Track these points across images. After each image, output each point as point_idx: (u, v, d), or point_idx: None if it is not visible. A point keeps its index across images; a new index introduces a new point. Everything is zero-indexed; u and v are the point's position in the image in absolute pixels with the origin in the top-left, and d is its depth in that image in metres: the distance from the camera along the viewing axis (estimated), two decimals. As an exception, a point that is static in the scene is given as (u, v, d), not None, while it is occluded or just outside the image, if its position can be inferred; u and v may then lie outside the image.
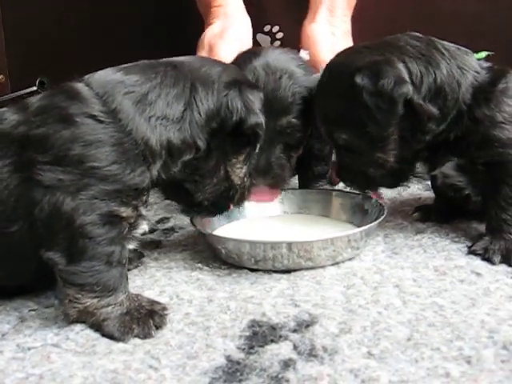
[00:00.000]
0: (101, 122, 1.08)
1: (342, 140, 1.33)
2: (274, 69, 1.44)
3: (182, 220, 1.61)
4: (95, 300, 1.06)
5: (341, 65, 1.33)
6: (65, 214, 1.03)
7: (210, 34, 1.76)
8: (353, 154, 1.34)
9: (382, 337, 1.00)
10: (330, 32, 1.78)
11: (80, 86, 1.13)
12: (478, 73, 1.31)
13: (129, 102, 1.11)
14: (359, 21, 1.96)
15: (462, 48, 1.35)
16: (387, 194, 1.71)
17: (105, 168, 1.05)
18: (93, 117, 1.08)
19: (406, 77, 1.24)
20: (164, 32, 2.36)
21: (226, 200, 1.28)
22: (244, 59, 1.48)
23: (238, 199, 1.30)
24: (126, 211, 1.09)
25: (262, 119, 1.22)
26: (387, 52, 1.28)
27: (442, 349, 0.96)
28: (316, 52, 1.68)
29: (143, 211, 1.15)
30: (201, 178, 1.22)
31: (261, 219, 1.51)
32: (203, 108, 1.17)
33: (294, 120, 1.44)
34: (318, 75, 1.44)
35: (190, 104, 1.16)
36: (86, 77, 1.16)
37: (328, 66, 1.37)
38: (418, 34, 1.34)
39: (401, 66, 1.25)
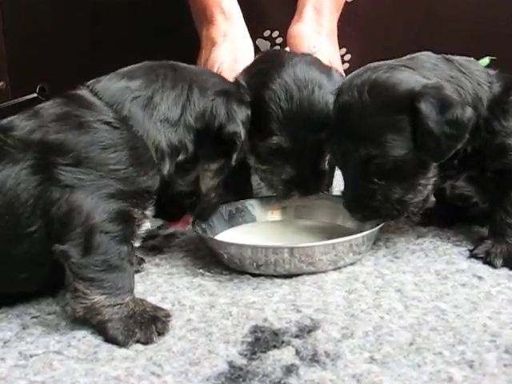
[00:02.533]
0: (116, 128, 1.14)
1: (378, 165, 1.23)
2: (304, 82, 1.39)
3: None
4: (103, 297, 1.07)
5: (387, 83, 1.23)
6: (84, 211, 1.07)
7: (221, 58, 1.67)
8: (386, 181, 1.25)
9: (384, 341, 1.00)
10: (315, 31, 1.77)
11: (87, 94, 1.18)
12: (491, 83, 1.31)
13: (137, 107, 1.17)
14: (356, 25, 1.96)
15: (470, 59, 1.35)
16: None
17: (123, 170, 1.12)
18: (108, 123, 1.14)
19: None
20: (164, 35, 2.36)
21: (187, 206, 1.33)
22: (267, 72, 1.42)
23: (199, 212, 1.35)
24: (137, 213, 1.14)
25: (241, 130, 1.25)
26: (425, 74, 1.25)
27: (444, 353, 0.96)
28: (301, 52, 1.66)
29: (148, 212, 1.20)
30: (182, 181, 1.27)
31: (263, 224, 1.51)
32: (194, 110, 1.23)
33: None
34: (338, 76, 1.44)
35: (186, 107, 1.22)
36: (90, 84, 1.20)
37: (364, 82, 1.25)
38: (431, 52, 1.33)
39: (449, 90, 1.24)
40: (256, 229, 1.49)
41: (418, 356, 0.96)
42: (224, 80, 1.36)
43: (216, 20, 1.77)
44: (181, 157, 1.22)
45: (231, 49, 1.70)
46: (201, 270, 1.33)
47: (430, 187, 1.30)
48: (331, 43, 1.80)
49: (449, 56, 1.33)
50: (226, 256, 1.30)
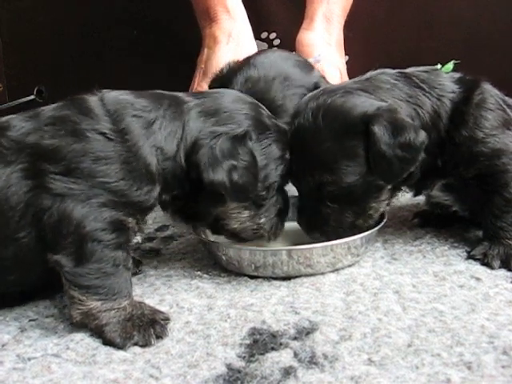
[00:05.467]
0: (110, 139, 1.12)
1: (331, 190, 1.25)
2: (269, 74, 1.43)
3: (181, 228, 1.61)
4: (99, 303, 1.07)
5: (341, 108, 1.23)
6: (74, 220, 1.07)
7: (224, 59, 1.64)
8: (339, 205, 1.27)
9: (382, 343, 1.00)
10: (326, 42, 1.78)
11: (94, 100, 1.16)
12: (453, 92, 1.31)
13: (137, 125, 1.15)
14: (354, 27, 1.96)
15: (433, 68, 1.35)
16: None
17: (113, 183, 1.10)
18: (103, 134, 1.12)
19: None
20: (164, 39, 2.36)
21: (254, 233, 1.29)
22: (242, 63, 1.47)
23: (271, 231, 1.30)
24: (131, 222, 1.13)
25: (222, 178, 1.14)
26: (381, 96, 1.26)
27: (442, 355, 0.96)
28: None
29: (142, 225, 1.19)
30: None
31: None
32: (184, 152, 1.18)
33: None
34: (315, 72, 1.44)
35: (180, 147, 1.17)
36: (102, 91, 1.19)
37: (319, 106, 1.25)
38: (391, 70, 1.33)
39: (403, 112, 1.24)
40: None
41: (416, 358, 0.96)
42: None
43: (220, 19, 1.76)
44: (176, 192, 1.20)
45: (235, 49, 1.70)
46: (199, 272, 1.33)
47: (381, 209, 1.31)
48: (339, 53, 1.81)
49: (408, 71, 1.33)
50: (224, 258, 1.30)
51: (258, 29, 2.11)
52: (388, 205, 1.34)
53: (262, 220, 1.27)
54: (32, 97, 2.19)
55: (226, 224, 1.26)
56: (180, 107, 1.21)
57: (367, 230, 1.30)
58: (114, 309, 1.08)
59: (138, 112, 1.16)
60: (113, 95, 1.19)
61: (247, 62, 1.47)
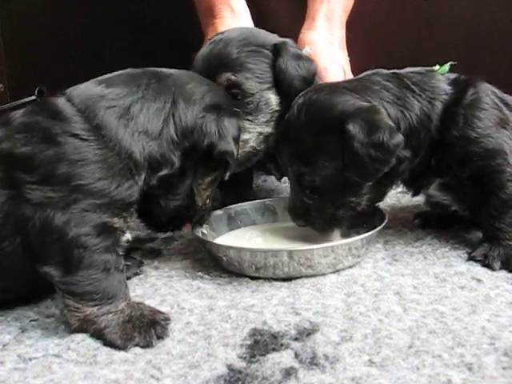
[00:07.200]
0: (83, 140, 1.09)
1: (309, 181, 1.30)
2: (230, 34, 1.46)
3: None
4: (95, 308, 1.07)
5: (323, 105, 1.28)
6: (56, 228, 1.05)
7: None
8: (319, 196, 1.31)
9: (383, 344, 1.00)
10: (328, 41, 1.78)
11: (62, 102, 1.13)
12: (446, 94, 1.32)
13: (111, 116, 1.12)
14: (355, 28, 1.96)
15: (427, 70, 1.36)
16: (386, 200, 1.71)
17: (91, 185, 1.07)
18: (75, 135, 1.09)
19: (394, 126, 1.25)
20: (164, 40, 2.36)
21: (184, 219, 1.31)
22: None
23: (197, 220, 1.33)
24: (118, 222, 1.11)
25: (233, 148, 1.22)
26: (368, 96, 1.28)
27: (443, 356, 0.96)
28: (316, 61, 1.68)
29: (130, 222, 1.17)
30: (172, 195, 1.24)
31: (262, 227, 1.52)
32: (179, 126, 1.18)
33: (233, 78, 1.39)
34: (281, 41, 1.46)
35: (168, 121, 1.17)
36: (68, 91, 1.16)
37: (305, 102, 1.31)
38: (385, 71, 1.35)
39: (385, 113, 1.26)
40: (255, 232, 1.50)
41: (417, 359, 0.96)
42: (213, 88, 1.29)
43: (224, 16, 1.76)
44: (164, 171, 1.18)
45: None
46: (200, 273, 1.33)
47: (363, 203, 1.32)
48: (343, 52, 1.81)
49: (402, 73, 1.34)
50: (225, 259, 1.30)
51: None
52: (380, 200, 1.37)
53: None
54: (33, 97, 2.19)
55: (193, 201, 1.27)
56: (163, 81, 1.20)
57: (346, 222, 1.34)
58: (111, 312, 1.07)
59: (110, 103, 1.13)
60: (80, 92, 1.15)
61: (217, 33, 1.50)
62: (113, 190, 1.09)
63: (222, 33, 1.49)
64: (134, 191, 1.13)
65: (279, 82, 1.43)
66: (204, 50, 1.44)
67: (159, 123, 1.16)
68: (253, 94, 1.41)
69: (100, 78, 1.20)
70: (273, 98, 1.42)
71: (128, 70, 1.23)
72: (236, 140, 1.25)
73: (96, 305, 1.07)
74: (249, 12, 1.80)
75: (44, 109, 1.13)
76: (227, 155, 1.22)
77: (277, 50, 1.44)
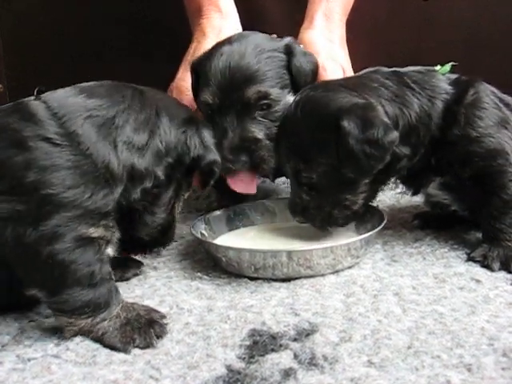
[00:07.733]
0: (56, 145, 1.04)
1: (307, 178, 1.31)
2: (241, 45, 1.44)
3: (181, 229, 1.60)
4: (89, 320, 1.06)
5: (320, 102, 1.30)
6: (28, 247, 1.00)
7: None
8: (316, 193, 1.32)
9: (382, 345, 1.00)
10: (327, 39, 1.78)
11: (37, 104, 1.09)
12: (447, 93, 1.32)
13: (91, 126, 1.08)
14: (355, 28, 1.96)
15: (427, 70, 1.36)
16: (386, 201, 1.72)
17: (61, 194, 1.01)
18: (47, 139, 1.03)
19: (390, 123, 1.25)
20: (164, 40, 2.36)
21: (165, 237, 1.29)
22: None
23: (170, 237, 1.32)
24: (96, 231, 1.05)
25: (218, 157, 1.26)
26: (365, 94, 1.29)
27: (442, 357, 0.96)
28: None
29: (114, 229, 1.11)
30: (158, 208, 1.22)
31: (261, 228, 1.52)
32: (165, 138, 1.17)
33: (262, 89, 1.41)
34: (288, 40, 1.47)
35: (154, 133, 1.16)
36: (45, 94, 1.13)
37: (302, 99, 1.33)
38: (385, 69, 1.36)
39: (381, 110, 1.26)
40: (254, 233, 1.49)
41: (416, 359, 0.96)
42: (176, 102, 1.33)
43: (211, 17, 1.77)
44: (148, 184, 1.14)
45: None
46: (199, 274, 1.33)
47: (360, 201, 1.32)
48: (343, 50, 1.81)
49: (402, 71, 1.35)
50: (224, 260, 1.30)
51: (258, 30, 2.12)
52: (373, 198, 1.38)
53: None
54: (33, 97, 2.19)
55: (173, 217, 1.27)
56: (145, 94, 1.19)
57: (343, 220, 1.34)
58: (106, 319, 1.06)
59: (91, 112, 1.09)
60: (59, 97, 1.11)
61: (219, 43, 1.50)
62: (86, 199, 1.03)
63: (229, 41, 1.47)
64: (109, 200, 1.07)
65: (295, 81, 1.47)
66: (217, 62, 1.42)
67: (145, 135, 1.14)
68: (280, 101, 1.43)
69: (81, 85, 1.16)
70: (291, 100, 1.42)
71: (109, 82, 1.19)
72: (216, 149, 1.27)
73: (89, 317, 1.05)
74: (237, 13, 1.81)
75: (16, 111, 1.08)
76: (215, 165, 1.25)
77: (289, 51, 1.47)
